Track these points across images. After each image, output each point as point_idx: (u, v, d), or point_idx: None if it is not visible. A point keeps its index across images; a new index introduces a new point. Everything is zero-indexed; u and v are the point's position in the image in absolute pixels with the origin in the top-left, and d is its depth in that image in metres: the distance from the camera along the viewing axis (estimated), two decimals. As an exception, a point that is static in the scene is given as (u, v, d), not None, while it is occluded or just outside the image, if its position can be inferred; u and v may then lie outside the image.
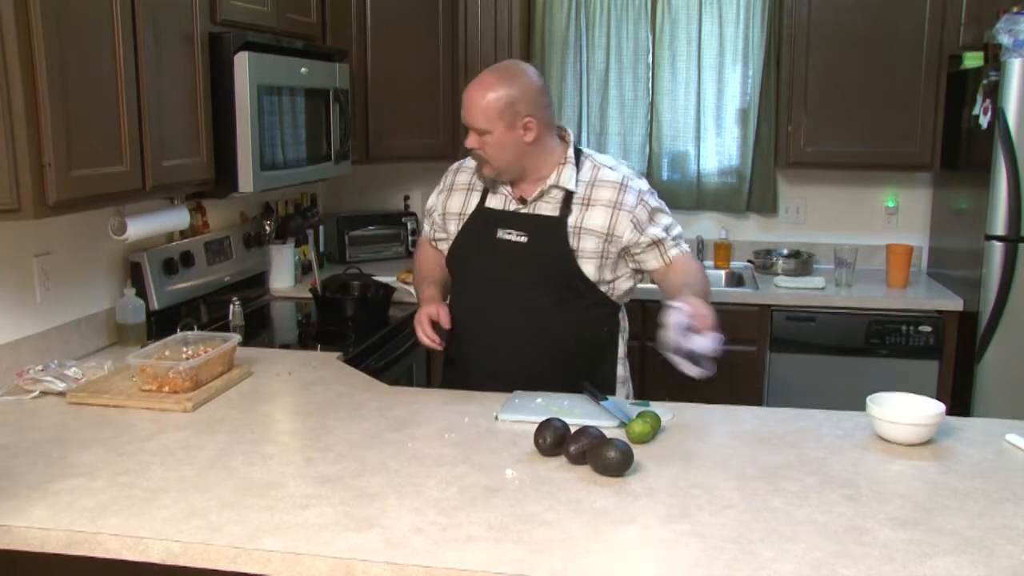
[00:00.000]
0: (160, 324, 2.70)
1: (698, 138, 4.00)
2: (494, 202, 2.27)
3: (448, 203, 2.35)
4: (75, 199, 1.97)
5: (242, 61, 2.55)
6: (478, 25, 3.81)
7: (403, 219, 4.17)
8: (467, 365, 2.33)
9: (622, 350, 2.35)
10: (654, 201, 2.24)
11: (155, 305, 2.71)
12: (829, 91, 3.61)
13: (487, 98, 2.13)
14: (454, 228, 2.31)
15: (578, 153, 2.26)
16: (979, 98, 3.20)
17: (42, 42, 1.82)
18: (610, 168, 2.24)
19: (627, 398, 2.31)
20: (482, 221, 2.26)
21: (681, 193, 4.03)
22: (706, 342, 1.89)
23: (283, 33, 2.92)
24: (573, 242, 2.18)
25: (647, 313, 3.49)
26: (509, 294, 2.22)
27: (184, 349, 2.25)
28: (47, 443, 1.83)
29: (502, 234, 2.22)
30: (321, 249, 3.95)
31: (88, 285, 2.58)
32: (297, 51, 2.90)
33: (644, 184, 2.26)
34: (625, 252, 2.22)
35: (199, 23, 2.44)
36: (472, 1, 3.79)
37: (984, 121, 3.17)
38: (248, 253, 3.30)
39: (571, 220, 2.19)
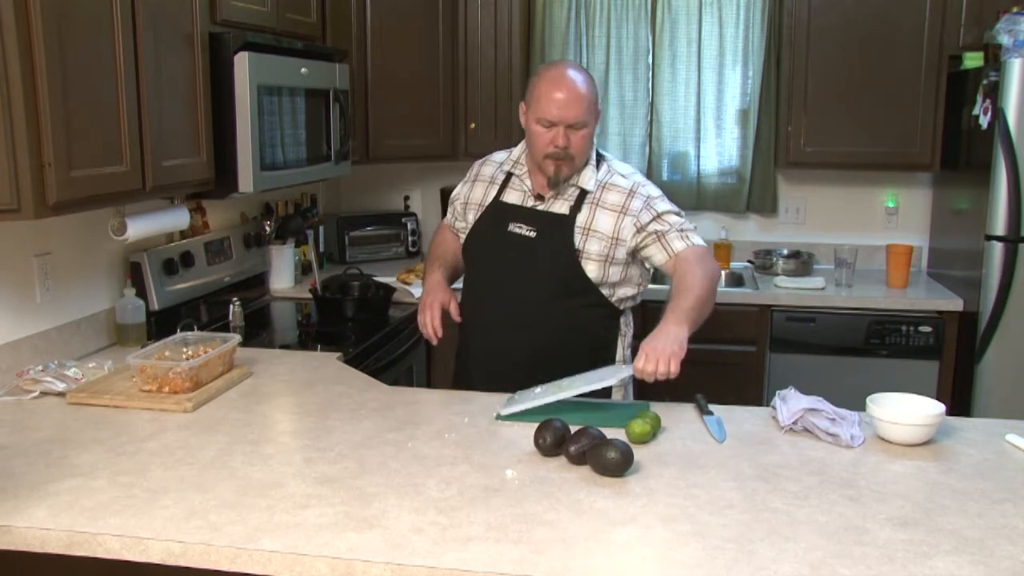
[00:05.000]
0: (160, 324, 2.69)
1: (698, 138, 4.00)
2: (512, 197, 2.30)
3: (471, 193, 2.39)
4: (75, 199, 1.97)
5: (242, 61, 2.55)
6: (478, 25, 3.81)
7: (403, 219, 4.16)
8: (468, 353, 2.37)
9: (620, 354, 2.34)
10: (663, 205, 2.24)
11: (155, 305, 2.71)
12: (829, 91, 3.60)
13: (586, 89, 2.14)
14: (472, 217, 2.35)
15: (599, 156, 2.29)
16: (979, 98, 3.20)
17: (42, 42, 1.82)
18: (623, 175, 2.27)
19: (624, 399, 2.31)
20: (497, 214, 2.29)
21: (681, 193, 4.02)
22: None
23: (283, 33, 2.92)
24: (579, 242, 2.20)
25: (648, 314, 3.49)
26: (509, 287, 2.24)
27: (184, 349, 2.25)
28: (47, 443, 1.83)
29: (513, 228, 2.26)
30: (321, 249, 3.95)
31: (88, 285, 2.57)
32: (297, 51, 2.90)
33: (655, 191, 2.28)
34: (635, 253, 2.23)
35: (199, 23, 2.44)
36: (472, 1, 3.79)
37: (984, 121, 3.17)
38: (248, 253, 3.30)
39: (580, 219, 2.21)
